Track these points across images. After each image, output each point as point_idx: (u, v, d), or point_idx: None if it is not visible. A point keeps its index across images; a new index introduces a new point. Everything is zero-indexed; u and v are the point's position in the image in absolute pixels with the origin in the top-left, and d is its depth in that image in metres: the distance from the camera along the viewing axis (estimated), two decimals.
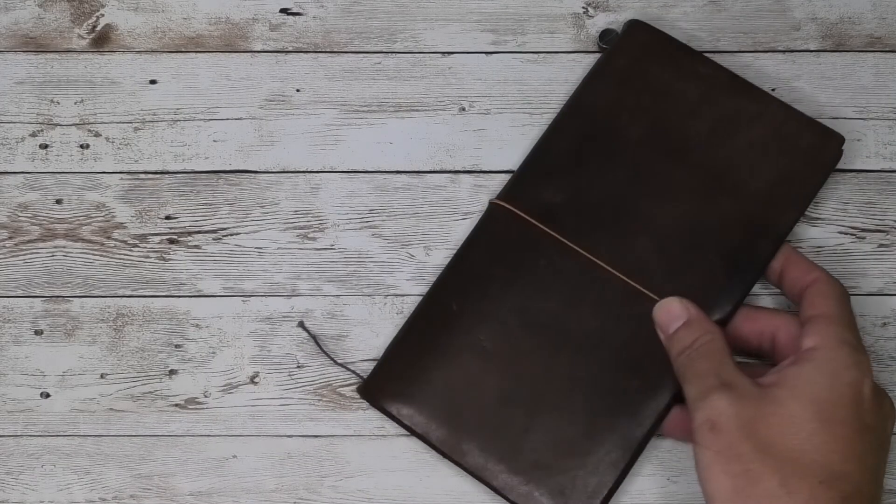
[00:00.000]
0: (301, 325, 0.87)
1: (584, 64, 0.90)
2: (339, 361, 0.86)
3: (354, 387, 0.85)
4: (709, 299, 0.82)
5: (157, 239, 0.88)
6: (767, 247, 0.83)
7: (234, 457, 0.86)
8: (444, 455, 0.83)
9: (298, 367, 0.87)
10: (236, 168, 0.89)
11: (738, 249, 0.83)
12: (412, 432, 0.83)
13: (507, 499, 0.82)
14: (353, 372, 0.86)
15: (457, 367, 0.83)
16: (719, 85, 0.86)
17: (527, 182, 0.86)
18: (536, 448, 0.82)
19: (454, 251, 0.86)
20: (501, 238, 0.85)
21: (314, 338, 0.86)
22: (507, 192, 0.86)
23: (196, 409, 0.86)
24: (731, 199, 0.84)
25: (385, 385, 0.84)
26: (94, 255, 0.88)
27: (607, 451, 0.81)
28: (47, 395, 0.86)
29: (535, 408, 0.82)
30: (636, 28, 0.88)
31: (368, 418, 0.86)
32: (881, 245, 0.89)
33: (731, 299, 0.83)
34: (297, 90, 0.89)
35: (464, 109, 0.89)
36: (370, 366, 0.85)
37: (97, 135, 0.89)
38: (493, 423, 0.82)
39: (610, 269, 0.84)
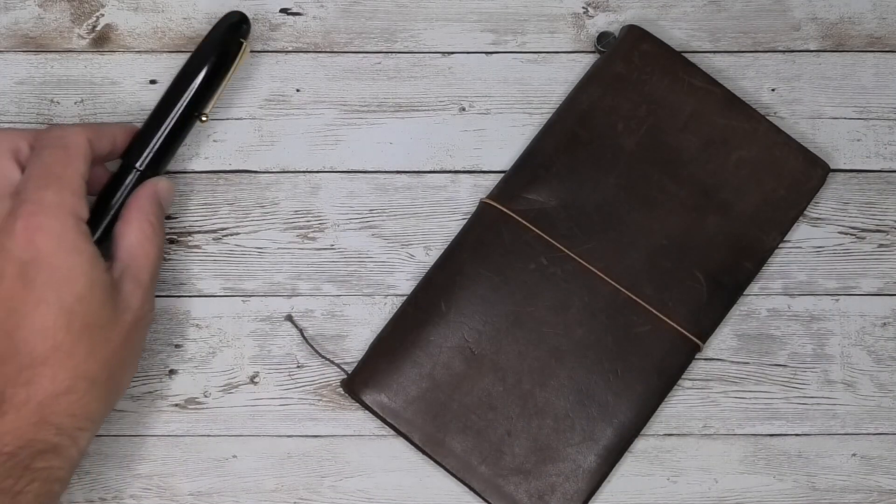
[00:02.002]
0: (289, 318, 0.87)
1: (584, 64, 0.90)
2: (323, 354, 0.86)
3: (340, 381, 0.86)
4: (692, 315, 0.84)
5: None
6: (750, 268, 0.85)
7: (234, 457, 0.86)
8: (426, 454, 0.83)
9: (298, 367, 0.87)
10: (236, 168, 0.89)
11: (723, 269, 0.85)
12: (395, 430, 0.84)
13: (486, 501, 0.83)
14: (338, 366, 0.86)
15: (442, 366, 0.84)
16: (713, 101, 0.87)
17: (520, 183, 0.86)
18: (517, 453, 0.83)
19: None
20: (492, 239, 0.85)
21: (301, 331, 0.87)
22: (500, 193, 0.86)
23: (196, 409, 0.86)
24: (718, 216, 0.86)
25: (369, 380, 0.84)
26: None
27: (586, 459, 0.83)
28: None
29: (518, 412, 0.83)
30: (633, 34, 0.88)
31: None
32: (881, 245, 0.89)
33: (713, 317, 0.85)
34: (297, 90, 0.89)
35: (464, 109, 0.89)
36: None
37: None
38: (476, 425, 0.83)
39: (604, 276, 0.84)
